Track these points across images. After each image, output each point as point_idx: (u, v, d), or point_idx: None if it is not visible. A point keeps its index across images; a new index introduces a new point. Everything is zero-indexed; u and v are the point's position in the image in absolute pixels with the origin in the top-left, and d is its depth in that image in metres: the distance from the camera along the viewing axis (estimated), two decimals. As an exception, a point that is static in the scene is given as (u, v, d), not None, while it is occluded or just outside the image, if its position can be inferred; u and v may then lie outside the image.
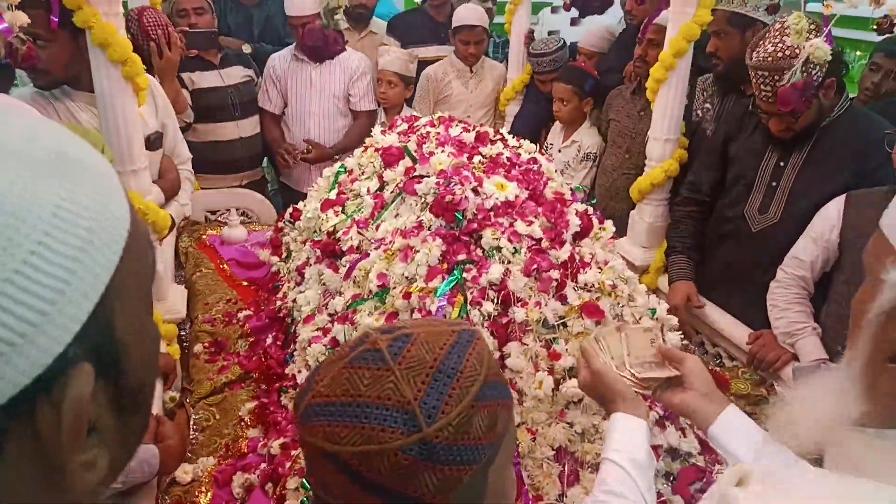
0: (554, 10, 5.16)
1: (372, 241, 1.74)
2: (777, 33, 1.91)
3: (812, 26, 1.86)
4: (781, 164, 2.10)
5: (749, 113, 2.20)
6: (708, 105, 2.65)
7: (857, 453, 0.65)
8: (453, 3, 3.81)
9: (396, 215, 1.77)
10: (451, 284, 1.56)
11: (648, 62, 2.60)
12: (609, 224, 1.87)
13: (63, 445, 0.41)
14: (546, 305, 1.55)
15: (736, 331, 2.18)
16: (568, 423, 1.48)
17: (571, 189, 2.02)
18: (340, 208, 1.94)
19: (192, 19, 2.95)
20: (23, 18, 1.58)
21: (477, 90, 3.50)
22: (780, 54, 1.89)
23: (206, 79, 3.04)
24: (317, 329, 1.73)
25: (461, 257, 1.60)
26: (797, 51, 1.85)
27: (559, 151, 3.20)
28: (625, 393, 1.15)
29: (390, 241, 1.68)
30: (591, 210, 1.85)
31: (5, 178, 0.38)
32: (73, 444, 0.41)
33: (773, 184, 2.12)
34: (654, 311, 1.72)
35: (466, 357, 0.77)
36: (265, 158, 3.41)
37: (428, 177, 1.74)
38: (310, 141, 3.15)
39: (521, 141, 2.05)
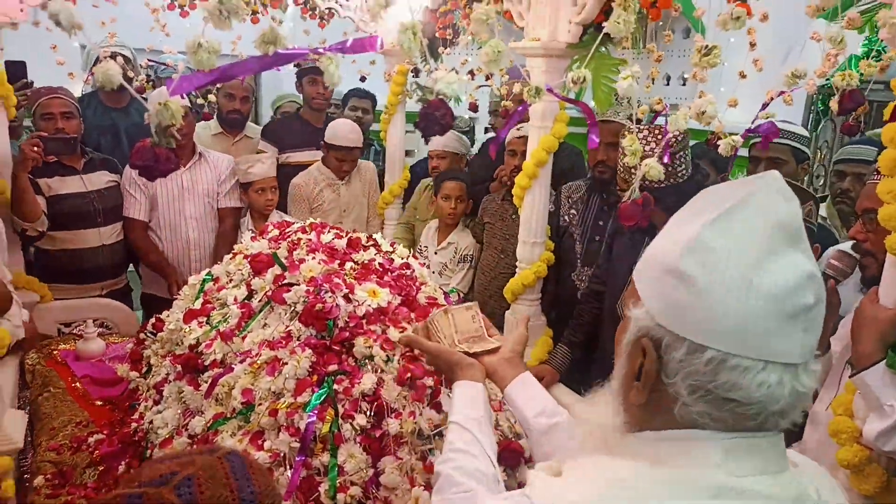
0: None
1: (237, 353, 1.65)
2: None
3: (651, 140, 2.03)
4: None
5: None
6: (574, 211, 2.81)
7: (622, 449, 0.82)
8: (328, 113, 3.87)
9: (264, 325, 1.70)
10: (322, 398, 1.50)
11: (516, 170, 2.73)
12: (482, 327, 1.88)
13: None
14: (421, 415, 1.52)
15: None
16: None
17: (446, 292, 2.04)
18: (205, 319, 1.83)
19: (58, 123, 2.81)
20: None
21: (347, 194, 3.50)
22: (621, 172, 2.06)
23: (67, 184, 2.87)
24: (175, 453, 1.59)
25: (332, 368, 1.55)
26: (633, 170, 2.00)
27: (435, 253, 3.26)
28: (461, 362, 1.27)
29: (257, 354, 1.60)
30: (464, 314, 1.87)
31: None
32: None
33: None
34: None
35: (252, 478, 0.80)
36: (129, 265, 3.22)
37: (298, 284, 1.70)
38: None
39: (395, 246, 2.07)
